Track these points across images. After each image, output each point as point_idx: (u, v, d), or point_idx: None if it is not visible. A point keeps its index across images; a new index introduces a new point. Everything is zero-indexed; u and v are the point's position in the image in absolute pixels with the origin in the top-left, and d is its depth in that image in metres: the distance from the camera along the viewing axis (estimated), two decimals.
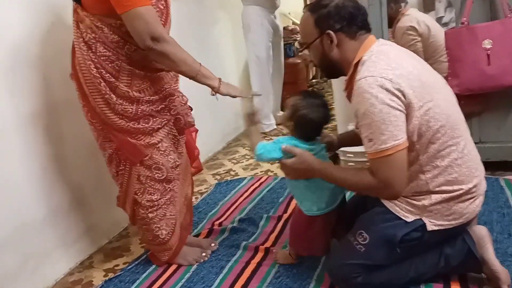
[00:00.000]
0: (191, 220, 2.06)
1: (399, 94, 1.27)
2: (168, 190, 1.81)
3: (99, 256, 2.11)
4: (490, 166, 2.30)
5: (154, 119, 1.72)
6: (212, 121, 3.43)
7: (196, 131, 2.02)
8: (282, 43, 3.92)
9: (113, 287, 1.81)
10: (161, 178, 1.77)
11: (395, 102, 1.27)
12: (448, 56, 2.13)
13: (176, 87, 1.79)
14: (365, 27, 1.43)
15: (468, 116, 2.19)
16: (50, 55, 1.91)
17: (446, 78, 2.16)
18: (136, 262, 1.97)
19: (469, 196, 1.38)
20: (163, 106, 1.74)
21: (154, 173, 1.75)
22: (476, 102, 2.16)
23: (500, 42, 1.99)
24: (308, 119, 1.50)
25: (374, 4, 2.33)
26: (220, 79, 1.67)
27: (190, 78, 1.65)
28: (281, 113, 4.04)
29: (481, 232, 1.44)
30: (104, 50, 1.60)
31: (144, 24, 1.49)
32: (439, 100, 1.34)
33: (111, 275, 1.92)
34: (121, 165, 1.76)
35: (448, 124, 1.33)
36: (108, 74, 1.61)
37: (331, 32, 1.40)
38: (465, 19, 2.06)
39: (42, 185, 1.90)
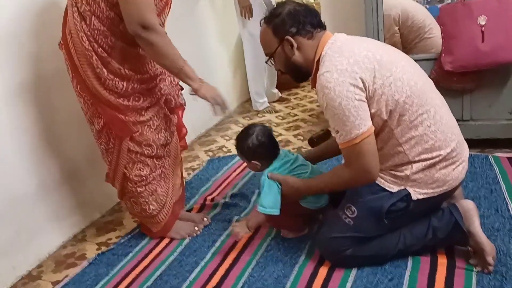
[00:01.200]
0: (183, 195, 2.08)
1: (356, 82, 1.33)
2: (158, 166, 1.81)
3: (91, 230, 2.12)
4: (480, 144, 2.33)
5: (144, 98, 1.71)
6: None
7: (183, 109, 2.01)
8: None
9: (106, 260, 1.83)
10: (152, 154, 1.77)
11: (353, 92, 1.33)
12: (443, 32, 2.12)
13: None
14: (320, 26, 1.49)
15: (460, 93, 2.23)
16: (40, 26, 1.87)
17: (439, 54, 2.16)
18: (129, 236, 1.99)
19: (450, 161, 1.42)
20: (154, 84, 1.73)
21: (144, 149, 1.75)
22: (468, 80, 2.16)
23: (494, 19, 1.98)
24: (256, 145, 1.67)
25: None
26: (201, 80, 1.65)
27: (171, 73, 1.66)
28: (276, 90, 4.02)
29: (468, 205, 1.47)
30: (99, 24, 1.57)
31: (136, 10, 1.48)
32: (399, 73, 1.38)
33: (104, 248, 1.93)
34: (111, 143, 1.76)
35: (413, 94, 1.38)
36: (101, 49, 1.59)
37: (289, 37, 1.46)
38: None
39: (33, 158, 1.89)
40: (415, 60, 2.22)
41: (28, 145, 1.87)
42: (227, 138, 3.21)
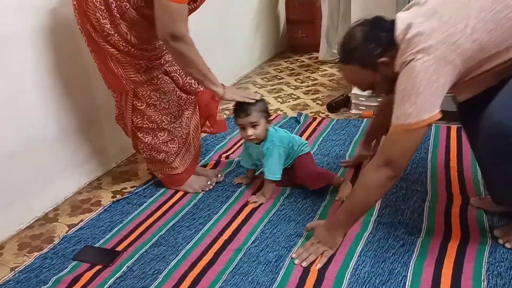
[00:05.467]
0: (199, 152, 2.07)
1: (445, 65, 1.17)
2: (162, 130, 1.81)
3: (107, 179, 2.15)
4: None
5: (145, 62, 1.67)
6: (223, 56, 3.36)
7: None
8: None
9: (120, 208, 1.86)
10: (156, 104, 1.76)
11: (437, 76, 1.17)
12: None
13: None
14: (390, 26, 1.29)
15: None
16: None
17: None
18: (144, 187, 2.01)
19: None
20: (156, 55, 1.70)
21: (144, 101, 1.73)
22: None
23: None
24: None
25: None
26: (223, 85, 1.70)
27: (195, 80, 1.73)
28: None
29: None
30: None
31: (170, 20, 1.49)
32: (488, 41, 1.18)
33: (119, 196, 1.97)
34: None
35: (500, 51, 1.19)
36: (116, 10, 1.55)
37: (382, 59, 1.31)
38: None
39: (53, 103, 1.90)
40: None
41: (49, 90, 1.87)
42: None
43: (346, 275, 1.35)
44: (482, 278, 1.29)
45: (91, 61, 1.81)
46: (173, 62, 1.77)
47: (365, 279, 1.33)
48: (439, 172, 1.88)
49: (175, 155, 1.86)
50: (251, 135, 1.72)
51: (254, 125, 1.72)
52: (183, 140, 1.86)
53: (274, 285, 1.34)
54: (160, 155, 1.83)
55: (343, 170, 1.97)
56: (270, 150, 1.75)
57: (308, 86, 3.31)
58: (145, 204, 1.87)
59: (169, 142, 1.82)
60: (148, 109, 1.74)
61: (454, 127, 2.28)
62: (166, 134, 1.80)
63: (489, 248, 1.41)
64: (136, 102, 1.73)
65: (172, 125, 1.80)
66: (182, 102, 1.83)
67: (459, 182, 1.79)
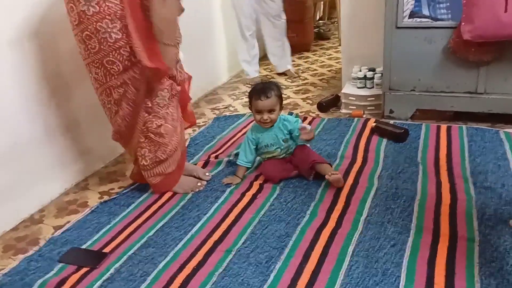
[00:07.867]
0: (185, 150, 2.04)
1: None
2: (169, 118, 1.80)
3: (94, 179, 2.12)
4: (492, 118, 2.30)
5: None
6: (213, 56, 3.34)
7: (190, 78, 1.95)
8: None
9: (108, 209, 1.83)
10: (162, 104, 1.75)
11: None
12: None
13: None
14: None
15: (476, 65, 2.17)
16: None
17: (459, 23, 2.09)
18: (132, 187, 1.98)
19: None
20: None
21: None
22: (486, 51, 2.10)
23: None
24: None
25: None
26: None
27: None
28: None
29: None
30: None
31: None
32: None
33: (106, 197, 1.93)
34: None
35: None
36: None
37: None
38: None
39: (38, 104, 1.86)
40: (433, 28, 2.18)
41: (33, 91, 1.84)
42: (234, 97, 3.17)
43: (339, 276, 1.34)
44: (476, 279, 1.28)
45: (76, 60, 1.77)
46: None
47: (358, 279, 1.32)
48: (429, 171, 1.88)
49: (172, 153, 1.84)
50: (266, 119, 1.85)
51: (270, 111, 1.84)
52: (178, 140, 1.85)
53: (265, 286, 1.33)
54: (163, 155, 1.82)
55: (336, 167, 1.96)
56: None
57: (298, 86, 3.31)
58: (133, 205, 1.84)
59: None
60: (163, 108, 1.76)
61: (444, 126, 2.29)
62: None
63: (478, 248, 1.40)
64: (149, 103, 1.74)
65: (177, 123, 1.82)
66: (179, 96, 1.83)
67: (449, 181, 1.79)
